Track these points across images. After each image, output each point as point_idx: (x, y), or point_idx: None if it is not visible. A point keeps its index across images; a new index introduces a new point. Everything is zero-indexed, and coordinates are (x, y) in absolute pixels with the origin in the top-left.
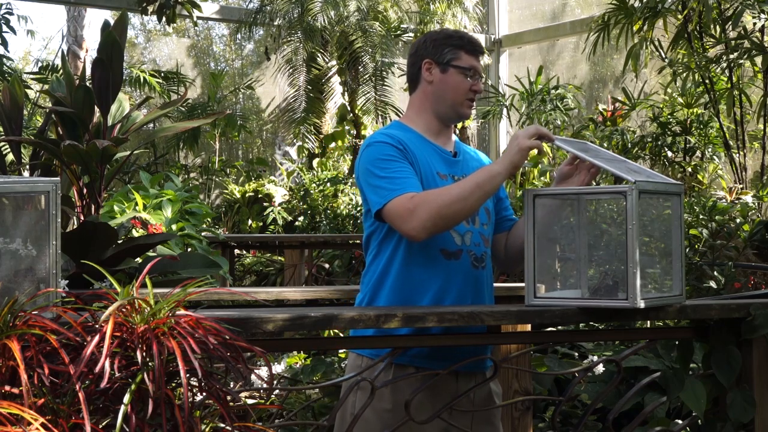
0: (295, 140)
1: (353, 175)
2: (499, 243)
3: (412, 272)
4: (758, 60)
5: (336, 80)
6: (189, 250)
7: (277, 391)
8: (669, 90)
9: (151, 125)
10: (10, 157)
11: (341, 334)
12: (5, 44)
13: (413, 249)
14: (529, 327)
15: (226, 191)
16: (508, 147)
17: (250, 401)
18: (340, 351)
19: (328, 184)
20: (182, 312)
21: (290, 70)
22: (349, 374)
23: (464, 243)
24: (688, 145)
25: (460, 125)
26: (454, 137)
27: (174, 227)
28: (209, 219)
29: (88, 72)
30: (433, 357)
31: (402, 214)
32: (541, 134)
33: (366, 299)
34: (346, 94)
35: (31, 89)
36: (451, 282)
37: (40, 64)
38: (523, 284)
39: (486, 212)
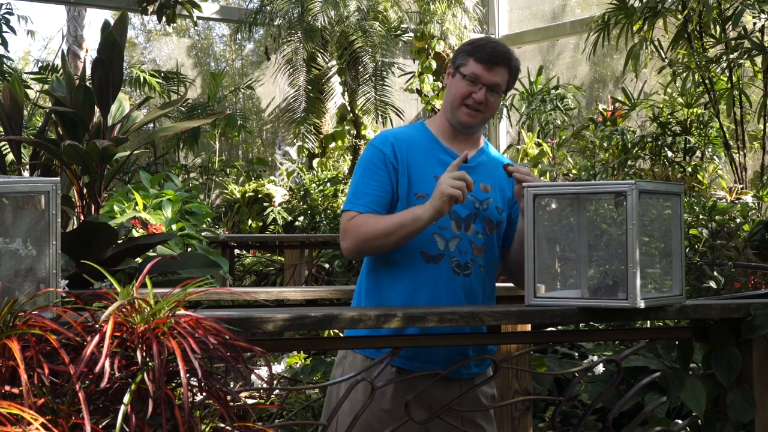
0: (295, 140)
1: None
2: (503, 257)
3: (392, 271)
4: (758, 60)
5: (336, 80)
6: (189, 250)
7: (277, 391)
8: (669, 90)
9: (151, 125)
10: (10, 157)
11: (341, 334)
12: (5, 44)
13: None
14: (529, 327)
15: (226, 191)
16: (434, 192)
17: (250, 401)
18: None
19: (328, 184)
20: (182, 312)
21: (290, 70)
22: (349, 374)
23: (447, 248)
24: (688, 145)
25: None
26: (481, 143)
27: (174, 227)
28: (209, 219)
29: (88, 72)
30: (413, 358)
31: (341, 231)
32: (466, 180)
33: (355, 296)
34: (346, 94)
35: (31, 89)
36: (425, 284)
37: (40, 64)
38: None
39: (487, 222)
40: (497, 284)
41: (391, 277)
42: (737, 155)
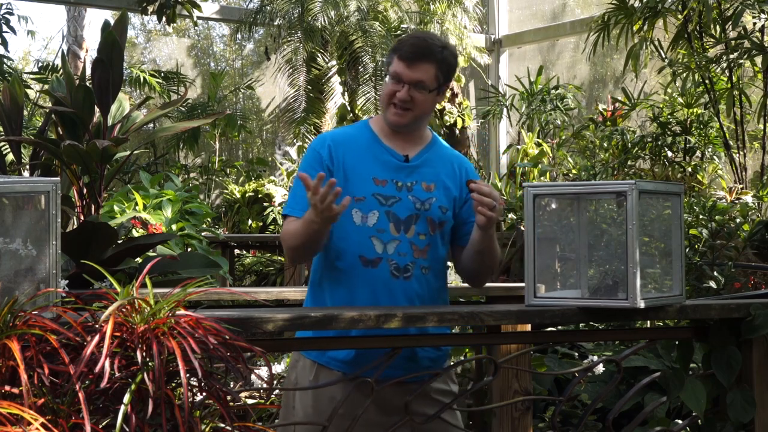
0: (295, 140)
1: None
2: (457, 256)
3: (332, 275)
4: (758, 60)
5: (336, 80)
6: (189, 250)
7: (277, 391)
8: (669, 90)
9: (151, 125)
10: (10, 157)
11: None
12: (5, 44)
13: (334, 254)
14: (529, 327)
15: (226, 191)
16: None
17: (250, 401)
18: None
19: None
20: (182, 312)
21: (290, 70)
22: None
23: (386, 251)
24: (688, 145)
25: (460, 125)
26: (427, 140)
27: (174, 227)
28: (209, 219)
29: (88, 72)
30: (356, 364)
31: (281, 233)
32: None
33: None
34: (346, 94)
35: (31, 89)
36: (363, 289)
37: (40, 64)
38: (523, 284)
39: (430, 222)
40: (496, 284)
41: (332, 282)
42: (737, 155)
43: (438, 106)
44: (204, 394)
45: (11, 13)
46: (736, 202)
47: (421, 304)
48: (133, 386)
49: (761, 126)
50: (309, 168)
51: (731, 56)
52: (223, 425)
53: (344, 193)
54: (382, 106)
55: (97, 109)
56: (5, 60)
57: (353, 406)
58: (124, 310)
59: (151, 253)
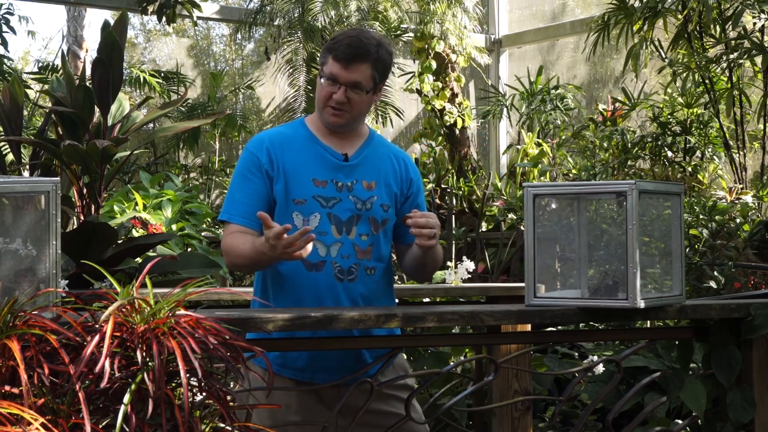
0: None
1: None
2: (400, 253)
3: (276, 280)
4: (758, 60)
5: None
6: (189, 250)
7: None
8: (669, 90)
9: (151, 125)
10: (10, 157)
11: None
12: (5, 44)
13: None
14: (529, 327)
15: (226, 191)
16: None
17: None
18: None
19: None
20: (182, 312)
21: (290, 70)
22: (352, 376)
23: (329, 254)
24: (688, 145)
25: (460, 125)
26: (365, 136)
27: (174, 227)
28: (209, 219)
29: (88, 72)
30: (306, 369)
31: (223, 243)
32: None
33: (253, 301)
34: None
35: (31, 89)
36: (308, 293)
37: (40, 64)
38: (523, 284)
39: (372, 222)
40: (496, 284)
41: (277, 286)
42: (737, 155)
43: (438, 106)
44: (204, 394)
45: (11, 13)
46: (736, 202)
47: (365, 305)
48: (133, 386)
49: (761, 126)
50: (247, 172)
51: (731, 56)
52: (223, 425)
53: (284, 195)
54: (318, 106)
55: (97, 109)
56: (5, 60)
57: (308, 412)
58: (124, 310)
59: (151, 253)
